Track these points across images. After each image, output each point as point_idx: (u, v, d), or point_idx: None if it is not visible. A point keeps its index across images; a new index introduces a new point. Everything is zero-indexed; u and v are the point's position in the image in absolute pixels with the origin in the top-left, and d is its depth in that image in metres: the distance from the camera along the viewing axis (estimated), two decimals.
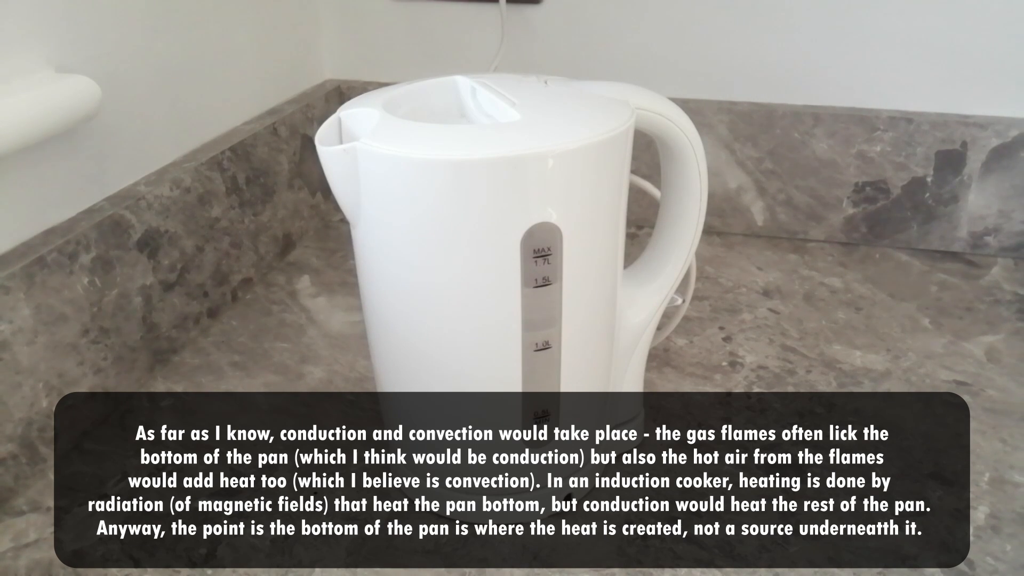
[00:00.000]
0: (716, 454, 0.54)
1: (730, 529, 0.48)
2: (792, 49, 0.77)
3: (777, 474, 0.52)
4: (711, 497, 0.50)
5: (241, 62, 0.74)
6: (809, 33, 0.76)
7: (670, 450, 0.54)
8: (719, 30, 0.78)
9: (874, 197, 0.79)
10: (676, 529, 0.48)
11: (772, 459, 0.53)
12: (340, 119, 0.45)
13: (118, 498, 0.51)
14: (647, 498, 0.50)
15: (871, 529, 0.48)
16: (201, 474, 0.53)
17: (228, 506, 0.50)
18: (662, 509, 0.50)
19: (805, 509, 0.49)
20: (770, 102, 0.79)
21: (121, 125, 0.60)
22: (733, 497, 0.50)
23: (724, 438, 0.55)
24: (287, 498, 0.51)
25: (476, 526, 0.49)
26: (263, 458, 0.54)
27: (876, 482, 0.51)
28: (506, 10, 0.80)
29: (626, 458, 0.54)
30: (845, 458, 0.53)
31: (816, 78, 0.78)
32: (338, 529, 0.48)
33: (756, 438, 0.55)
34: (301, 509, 0.50)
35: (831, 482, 0.51)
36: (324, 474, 0.53)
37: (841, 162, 0.78)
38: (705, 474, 0.52)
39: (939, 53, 0.74)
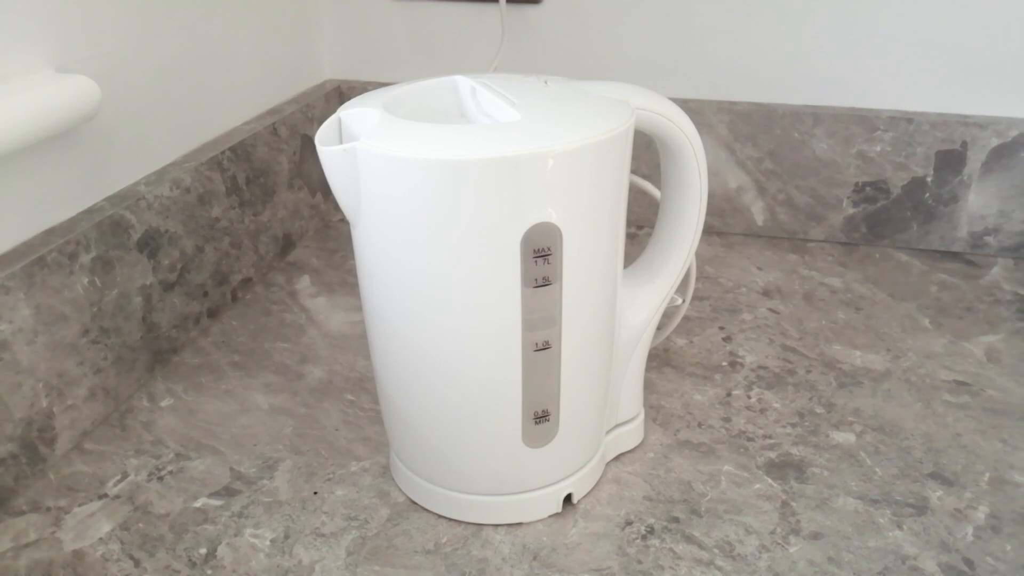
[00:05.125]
0: (716, 455, 0.54)
1: (730, 529, 0.48)
2: (792, 49, 0.77)
3: (777, 474, 0.52)
4: (712, 496, 0.50)
5: (241, 62, 0.74)
6: (809, 33, 0.76)
7: (670, 450, 0.54)
8: (719, 30, 0.78)
9: (874, 197, 0.79)
10: (676, 529, 0.48)
11: (772, 459, 0.53)
12: (340, 119, 0.45)
13: (118, 498, 0.51)
14: (647, 498, 0.50)
15: (871, 529, 0.48)
16: (201, 474, 0.53)
17: (228, 506, 0.50)
18: (662, 509, 0.50)
19: (805, 509, 0.49)
20: (770, 102, 0.79)
21: (121, 125, 0.60)
22: (734, 497, 0.50)
23: (724, 437, 0.55)
24: (287, 498, 0.51)
25: (476, 526, 0.49)
26: (263, 458, 0.54)
27: (875, 482, 0.51)
28: (506, 10, 0.80)
29: (626, 458, 0.54)
30: (844, 458, 0.53)
31: (816, 78, 0.78)
32: (338, 529, 0.48)
33: (756, 438, 0.55)
34: (301, 509, 0.50)
35: (830, 481, 0.51)
36: (324, 473, 0.53)
37: (841, 162, 0.78)
38: (705, 474, 0.52)
39: (939, 53, 0.74)
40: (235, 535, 0.48)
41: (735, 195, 0.82)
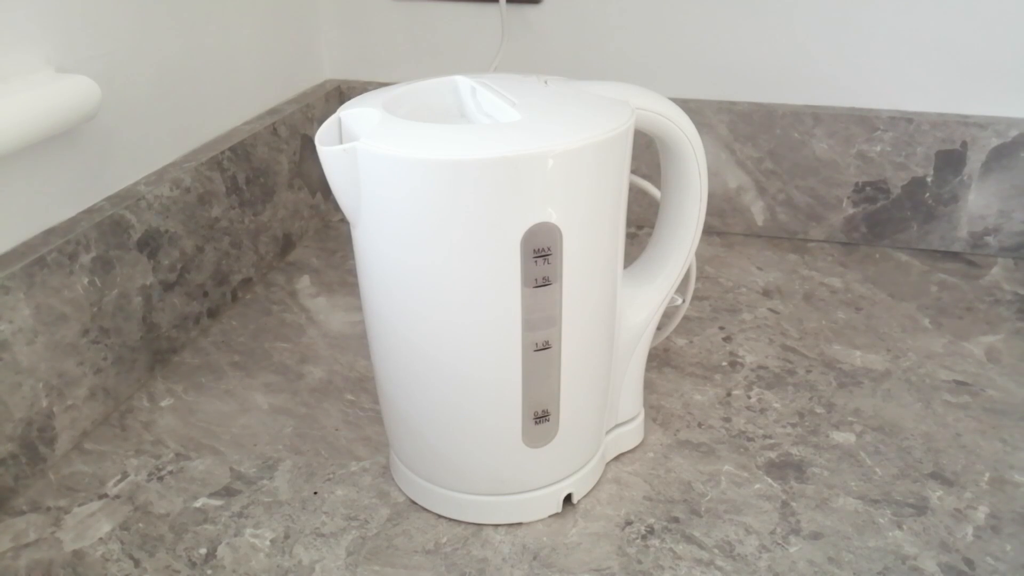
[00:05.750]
0: (716, 455, 0.54)
1: (730, 529, 0.48)
2: (792, 49, 0.77)
3: (777, 474, 0.52)
4: (712, 496, 0.50)
5: (241, 62, 0.74)
6: (809, 33, 0.76)
7: (670, 450, 0.54)
8: (719, 30, 0.78)
9: (874, 197, 0.79)
10: (676, 529, 0.48)
11: (772, 459, 0.53)
12: (340, 119, 0.45)
13: (118, 498, 0.51)
14: (647, 498, 0.50)
15: (871, 529, 0.48)
16: (201, 474, 0.53)
17: (228, 506, 0.50)
18: (662, 509, 0.50)
19: (805, 509, 0.49)
20: (770, 102, 0.79)
21: (121, 125, 0.60)
22: (734, 497, 0.50)
23: (724, 437, 0.55)
24: (287, 498, 0.51)
25: (476, 526, 0.49)
26: (263, 458, 0.54)
27: (875, 482, 0.51)
28: (506, 10, 0.80)
29: (626, 458, 0.54)
30: (844, 458, 0.53)
31: (816, 78, 0.78)
32: (338, 529, 0.48)
33: (756, 438, 0.55)
34: (301, 509, 0.50)
35: (830, 481, 0.51)
36: (324, 473, 0.53)
37: (841, 162, 0.78)
38: (705, 474, 0.52)
39: (939, 53, 0.74)
40: (235, 535, 0.48)
41: (735, 195, 0.82)
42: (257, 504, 0.50)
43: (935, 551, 0.46)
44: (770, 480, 0.52)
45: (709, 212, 0.83)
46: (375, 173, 0.41)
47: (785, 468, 0.53)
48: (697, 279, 0.75)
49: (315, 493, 0.51)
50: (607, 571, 0.46)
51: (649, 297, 0.52)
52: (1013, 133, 0.74)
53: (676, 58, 0.80)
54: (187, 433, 0.57)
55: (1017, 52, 0.73)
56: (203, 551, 0.47)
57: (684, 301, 0.57)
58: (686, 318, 0.69)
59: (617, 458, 0.54)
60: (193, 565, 0.46)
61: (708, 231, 0.84)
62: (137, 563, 0.46)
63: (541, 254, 0.41)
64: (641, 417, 0.55)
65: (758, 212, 0.83)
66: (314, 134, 0.76)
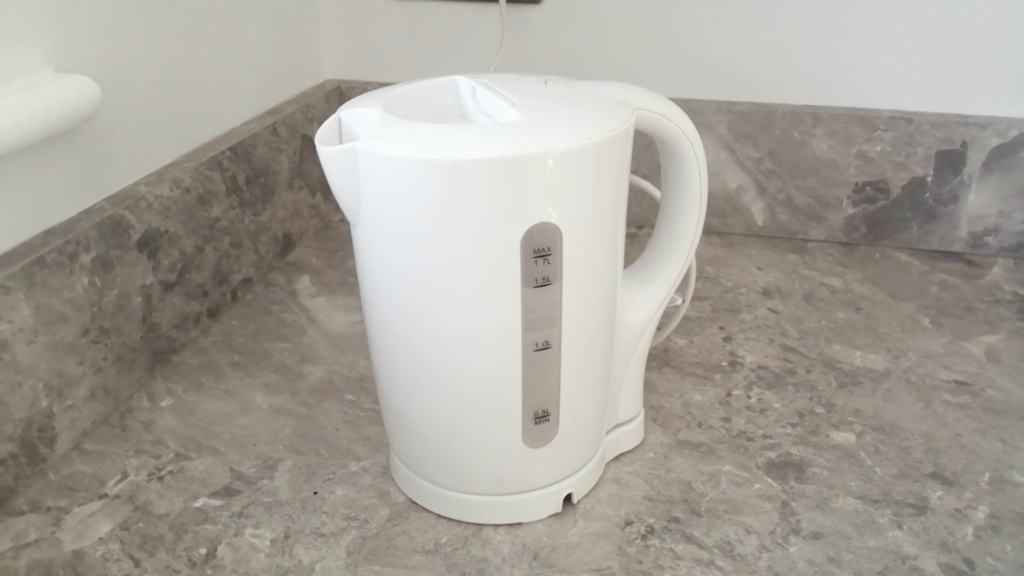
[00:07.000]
0: (716, 454, 0.54)
1: (730, 529, 0.48)
2: (792, 49, 0.77)
3: (777, 474, 0.52)
4: (712, 496, 0.50)
5: (241, 62, 0.74)
6: (810, 33, 0.76)
7: (670, 450, 0.54)
8: (719, 30, 0.78)
9: (874, 197, 0.79)
10: (676, 529, 0.48)
11: (772, 459, 0.53)
12: (340, 119, 0.45)
13: (118, 498, 0.51)
14: (647, 498, 0.50)
15: (871, 529, 0.48)
16: (201, 474, 0.53)
17: (228, 506, 0.50)
18: (662, 509, 0.50)
19: (805, 509, 0.49)
20: (770, 102, 0.79)
21: (121, 125, 0.60)
22: (734, 497, 0.50)
23: (724, 437, 0.55)
24: (287, 498, 0.51)
25: (476, 526, 0.49)
26: (263, 458, 0.54)
27: (876, 482, 0.51)
28: (506, 10, 0.80)
29: (626, 458, 0.54)
30: (844, 458, 0.53)
31: (816, 78, 0.78)
32: (338, 529, 0.48)
33: (756, 438, 0.55)
34: (301, 509, 0.50)
35: (830, 481, 0.51)
36: (324, 473, 0.53)
37: (841, 162, 0.78)
38: (705, 474, 0.52)
39: (939, 53, 0.74)
40: (235, 535, 0.48)
41: (735, 195, 0.82)
42: (257, 504, 0.50)
43: (935, 551, 0.46)
44: (770, 480, 0.52)
45: (709, 212, 0.83)
46: (375, 173, 0.41)
47: (785, 468, 0.53)
48: (697, 279, 0.75)
49: (315, 493, 0.51)
50: (607, 571, 0.46)
51: (649, 297, 0.52)
52: (1013, 133, 0.74)
53: (676, 58, 0.80)
54: (187, 433, 0.57)
55: (1017, 52, 0.73)
56: (203, 551, 0.47)
57: (684, 301, 0.57)
58: (686, 318, 0.69)
59: (617, 458, 0.54)
60: (193, 565, 0.46)
61: (708, 231, 0.84)
62: (137, 563, 0.46)
63: (541, 254, 0.41)
64: (641, 417, 0.55)
65: (758, 212, 0.83)
66: (314, 134, 0.76)
